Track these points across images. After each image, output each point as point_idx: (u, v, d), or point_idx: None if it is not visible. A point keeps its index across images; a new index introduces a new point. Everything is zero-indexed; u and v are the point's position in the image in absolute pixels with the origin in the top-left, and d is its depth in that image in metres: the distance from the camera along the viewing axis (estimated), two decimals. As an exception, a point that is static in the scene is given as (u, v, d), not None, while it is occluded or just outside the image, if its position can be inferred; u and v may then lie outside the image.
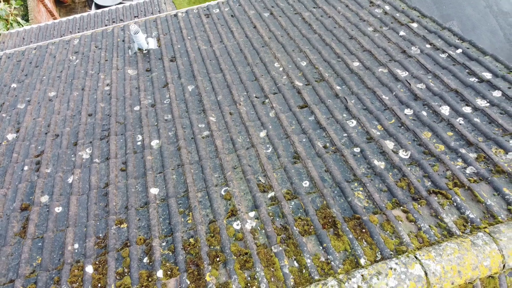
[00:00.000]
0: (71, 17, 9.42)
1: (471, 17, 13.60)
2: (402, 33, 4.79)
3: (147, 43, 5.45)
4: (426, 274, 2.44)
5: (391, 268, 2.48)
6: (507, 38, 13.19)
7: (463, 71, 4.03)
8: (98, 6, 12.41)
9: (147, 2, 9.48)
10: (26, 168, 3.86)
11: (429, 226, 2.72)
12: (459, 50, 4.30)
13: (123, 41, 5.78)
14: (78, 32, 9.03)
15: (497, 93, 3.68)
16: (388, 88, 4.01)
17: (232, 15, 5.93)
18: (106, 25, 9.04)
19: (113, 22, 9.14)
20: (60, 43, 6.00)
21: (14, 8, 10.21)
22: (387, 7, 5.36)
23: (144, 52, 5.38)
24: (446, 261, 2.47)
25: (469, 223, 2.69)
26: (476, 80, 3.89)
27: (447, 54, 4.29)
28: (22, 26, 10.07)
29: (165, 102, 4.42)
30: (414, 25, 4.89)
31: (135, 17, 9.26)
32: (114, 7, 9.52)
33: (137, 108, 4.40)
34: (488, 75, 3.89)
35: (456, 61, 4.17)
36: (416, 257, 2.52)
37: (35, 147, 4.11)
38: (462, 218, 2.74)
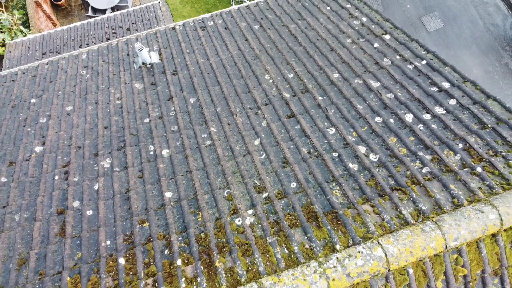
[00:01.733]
0: (72, 25, 9.92)
1: (452, 7, 14.21)
2: (376, 44, 5.45)
3: (150, 57, 6.06)
4: (386, 255, 3.18)
5: (359, 252, 3.21)
6: (487, 27, 13.85)
7: (426, 81, 4.71)
8: (94, 9, 12.86)
9: (143, 8, 10.00)
10: (56, 177, 4.53)
11: (390, 217, 3.45)
12: (424, 61, 4.97)
13: (128, 55, 6.39)
14: (80, 40, 9.55)
15: (452, 101, 4.38)
16: (363, 98, 4.69)
17: (225, 28, 6.55)
18: (106, 33, 9.57)
19: (112, 29, 9.66)
20: (69, 58, 6.60)
21: (17, 18, 10.68)
22: (364, 19, 6.00)
23: (148, 66, 6.00)
24: (401, 245, 3.20)
25: (421, 214, 3.42)
26: (436, 89, 4.58)
27: (413, 65, 4.96)
28: (25, 34, 10.56)
29: (171, 114, 5.08)
30: (387, 36, 5.55)
31: (133, 23, 9.79)
32: (112, 15, 10.03)
33: (146, 120, 5.06)
34: (446, 85, 4.58)
35: (421, 71, 4.85)
36: (379, 242, 3.25)
37: (61, 158, 4.78)
38: (416, 210, 3.47)
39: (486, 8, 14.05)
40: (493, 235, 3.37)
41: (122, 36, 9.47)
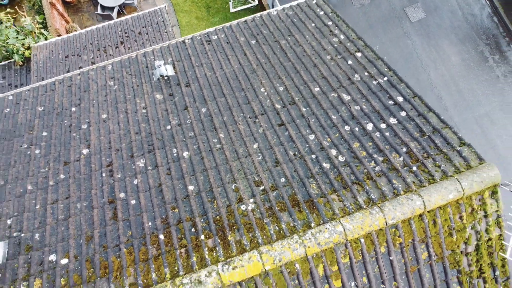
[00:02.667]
0: (88, 29, 11.07)
1: (434, -2, 15.30)
2: (350, 61, 6.78)
3: (166, 70, 7.37)
4: (344, 230, 4.67)
5: (327, 228, 4.70)
6: (465, 17, 15.01)
7: (385, 96, 6.09)
8: (102, 7, 13.91)
9: (152, 13, 11.13)
10: (104, 174, 5.97)
11: (350, 203, 4.93)
12: (386, 78, 6.33)
13: (147, 67, 7.69)
14: (97, 43, 10.73)
15: (403, 113, 5.78)
16: (336, 109, 6.08)
17: (227, 42, 7.82)
18: (120, 36, 10.74)
19: (125, 33, 10.82)
20: (97, 69, 7.89)
21: (38, 22, 11.78)
22: (342, 36, 7.29)
23: (165, 78, 7.33)
24: (355, 223, 4.69)
25: (371, 201, 4.90)
26: (392, 103, 5.97)
27: (377, 81, 6.32)
28: (46, 37, 11.69)
29: (187, 122, 6.46)
30: (359, 54, 6.87)
31: (143, 27, 10.96)
32: (124, 18, 11.16)
33: (169, 127, 6.45)
34: (400, 99, 5.97)
35: (382, 87, 6.22)
36: (340, 222, 4.73)
37: (105, 159, 6.20)
38: (368, 198, 4.94)
39: (465, -1, 15.16)
40: (420, 215, 4.86)
41: (135, 40, 10.66)
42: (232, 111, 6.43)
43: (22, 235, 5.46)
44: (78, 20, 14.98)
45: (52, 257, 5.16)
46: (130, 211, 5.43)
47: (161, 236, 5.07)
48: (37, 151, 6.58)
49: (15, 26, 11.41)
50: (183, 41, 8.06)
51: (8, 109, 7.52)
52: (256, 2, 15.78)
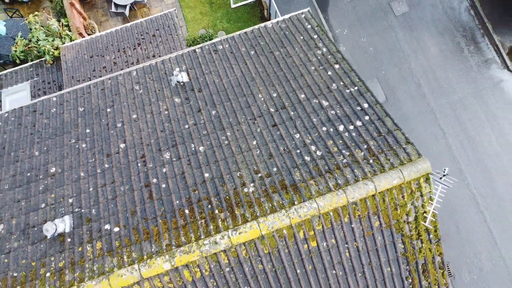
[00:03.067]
0: (108, 31, 12.61)
1: (417, -8, 16.73)
2: (329, 72, 8.51)
3: (182, 77, 9.09)
4: (318, 206, 6.57)
5: (305, 205, 6.60)
6: (445, 10, 16.51)
7: (355, 103, 7.87)
8: (116, 5, 15.34)
9: (163, 16, 12.63)
10: (139, 164, 7.82)
11: (323, 187, 6.81)
12: (356, 88, 8.08)
13: (165, 73, 9.41)
14: (117, 44, 12.32)
15: (366, 117, 7.58)
16: (317, 113, 7.88)
17: (231, 52, 9.50)
18: (136, 38, 12.32)
19: (141, 35, 12.39)
20: (124, 74, 9.61)
21: (63, 24, 13.26)
22: (324, 49, 8.98)
23: (181, 84, 9.06)
24: (326, 201, 6.59)
25: (338, 186, 6.78)
26: (360, 108, 7.75)
27: (349, 90, 8.08)
28: (71, 38, 13.22)
29: (201, 122, 8.26)
30: (337, 66, 8.59)
31: (156, 30, 12.52)
32: (139, 21, 12.69)
33: (186, 126, 8.25)
34: (366, 105, 7.75)
35: (353, 95, 7.98)
36: (315, 200, 6.63)
37: (139, 152, 8.04)
38: (336, 183, 6.82)
39: (445, -7, 16.59)
40: (373, 195, 6.75)
41: (150, 42, 12.26)
42: (236, 114, 8.22)
43: (82, 210, 7.38)
44: (94, 16, 16.42)
45: (107, 226, 7.09)
46: (162, 192, 7.32)
47: (186, 211, 6.98)
48: (83, 145, 8.41)
49: (42, 27, 12.95)
50: (194, 50, 9.74)
51: (54, 109, 9.29)
52: (255, -3, 17.19)
